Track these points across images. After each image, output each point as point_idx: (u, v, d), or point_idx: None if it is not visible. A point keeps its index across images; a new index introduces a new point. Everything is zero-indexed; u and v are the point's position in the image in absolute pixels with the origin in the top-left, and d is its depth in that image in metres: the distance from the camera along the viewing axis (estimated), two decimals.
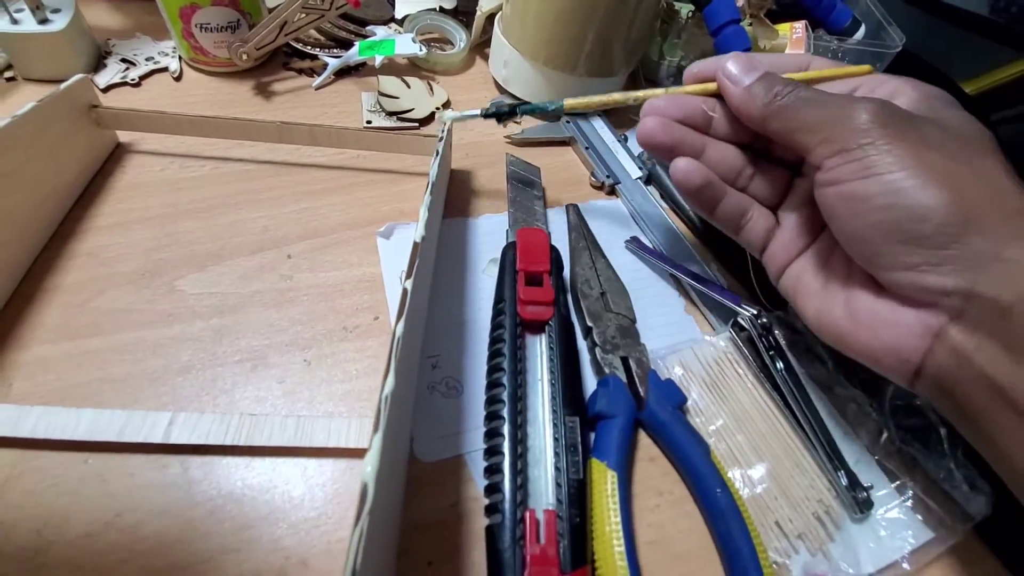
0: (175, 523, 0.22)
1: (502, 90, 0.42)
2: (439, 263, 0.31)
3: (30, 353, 0.25)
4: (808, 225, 0.25)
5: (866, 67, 0.26)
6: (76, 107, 0.31)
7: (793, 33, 0.41)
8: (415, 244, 0.24)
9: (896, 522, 0.25)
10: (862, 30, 0.43)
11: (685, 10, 0.41)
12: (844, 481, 0.25)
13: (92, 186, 0.32)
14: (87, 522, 0.21)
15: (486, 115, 0.29)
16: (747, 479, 0.25)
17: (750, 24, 0.41)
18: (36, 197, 0.28)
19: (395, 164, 0.36)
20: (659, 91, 0.27)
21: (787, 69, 0.26)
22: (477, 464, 0.24)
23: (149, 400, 0.25)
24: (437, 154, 0.30)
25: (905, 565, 0.23)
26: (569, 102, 0.28)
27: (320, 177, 0.35)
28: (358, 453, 0.24)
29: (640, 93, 0.27)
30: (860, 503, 0.24)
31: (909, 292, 0.20)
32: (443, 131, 0.32)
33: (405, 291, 0.22)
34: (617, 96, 0.28)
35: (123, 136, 0.35)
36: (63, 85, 0.30)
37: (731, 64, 0.25)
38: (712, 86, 0.26)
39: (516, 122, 0.26)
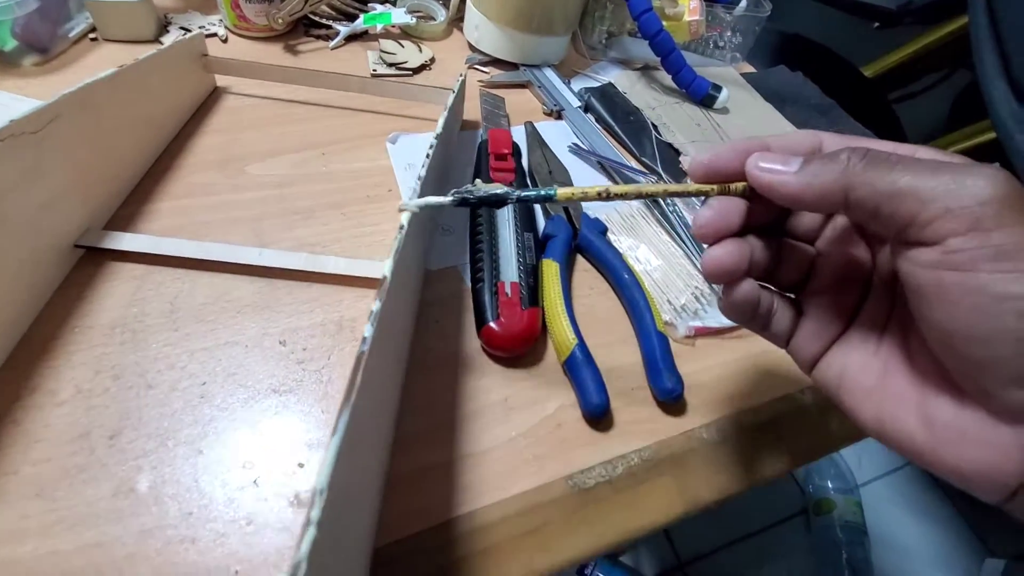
0: (263, 299, 0.31)
1: (474, 49, 0.53)
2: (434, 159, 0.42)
3: (151, 207, 0.34)
4: (837, 309, 0.22)
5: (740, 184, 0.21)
6: (193, 53, 0.40)
7: (690, 3, 0.53)
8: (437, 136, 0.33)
9: None
10: (744, 2, 0.55)
11: None
12: None
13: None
14: (206, 295, 0.31)
15: (458, 204, 0.22)
16: (647, 274, 0.36)
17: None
18: (165, 110, 0.38)
19: (395, 106, 0.46)
20: (706, 189, 0.21)
21: (801, 147, 0.21)
22: (466, 272, 0.35)
23: (233, 235, 0.34)
24: (454, 92, 0.39)
25: None
26: (563, 192, 0.22)
27: (341, 109, 0.45)
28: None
29: (656, 188, 0.22)
30: None
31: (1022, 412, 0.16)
32: (457, 82, 0.41)
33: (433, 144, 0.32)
34: (629, 188, 0.22)
35: (219, 80, 0.45)
36: (188, 35, 0.39)
37: (761, 159, 0.20)
38: (736, 186, 0.21)
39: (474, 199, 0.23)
